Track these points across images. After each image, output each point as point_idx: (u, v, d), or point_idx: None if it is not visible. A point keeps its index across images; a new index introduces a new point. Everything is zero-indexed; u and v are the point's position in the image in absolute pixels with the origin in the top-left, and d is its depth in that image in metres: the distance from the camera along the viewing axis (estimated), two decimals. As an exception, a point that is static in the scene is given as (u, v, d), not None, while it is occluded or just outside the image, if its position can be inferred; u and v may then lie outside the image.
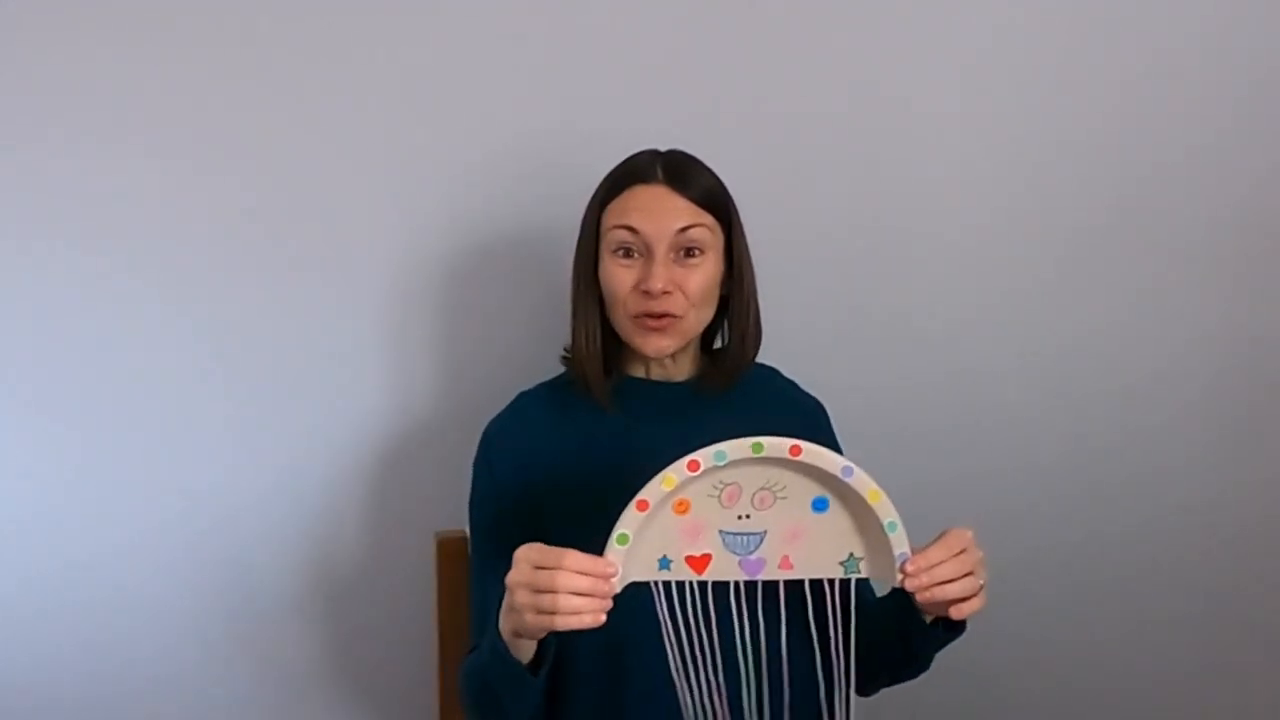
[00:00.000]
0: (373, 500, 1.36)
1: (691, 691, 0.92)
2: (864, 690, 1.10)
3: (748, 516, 0.90)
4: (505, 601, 0.89)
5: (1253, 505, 1.53)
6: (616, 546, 0.87)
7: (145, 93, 1.23)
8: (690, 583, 0.91)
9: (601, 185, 1.07)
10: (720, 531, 0.90)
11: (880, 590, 1.02)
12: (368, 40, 1.27)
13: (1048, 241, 1.45)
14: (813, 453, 0.87)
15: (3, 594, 1.27)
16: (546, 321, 1.31)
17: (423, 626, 1.34)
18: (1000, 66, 1.40)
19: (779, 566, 0.91)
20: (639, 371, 1.11)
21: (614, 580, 0.86)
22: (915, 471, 1.47)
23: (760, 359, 1.13)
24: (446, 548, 1.28)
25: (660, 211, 1.02)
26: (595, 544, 0.87)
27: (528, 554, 0.87)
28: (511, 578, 0.87)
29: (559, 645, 0.96)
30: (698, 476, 0.87)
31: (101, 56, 1.21)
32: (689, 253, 1.03)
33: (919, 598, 0.89)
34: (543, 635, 0.90)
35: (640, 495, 0.87)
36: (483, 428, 1.12)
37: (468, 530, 1.14)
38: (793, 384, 1.18)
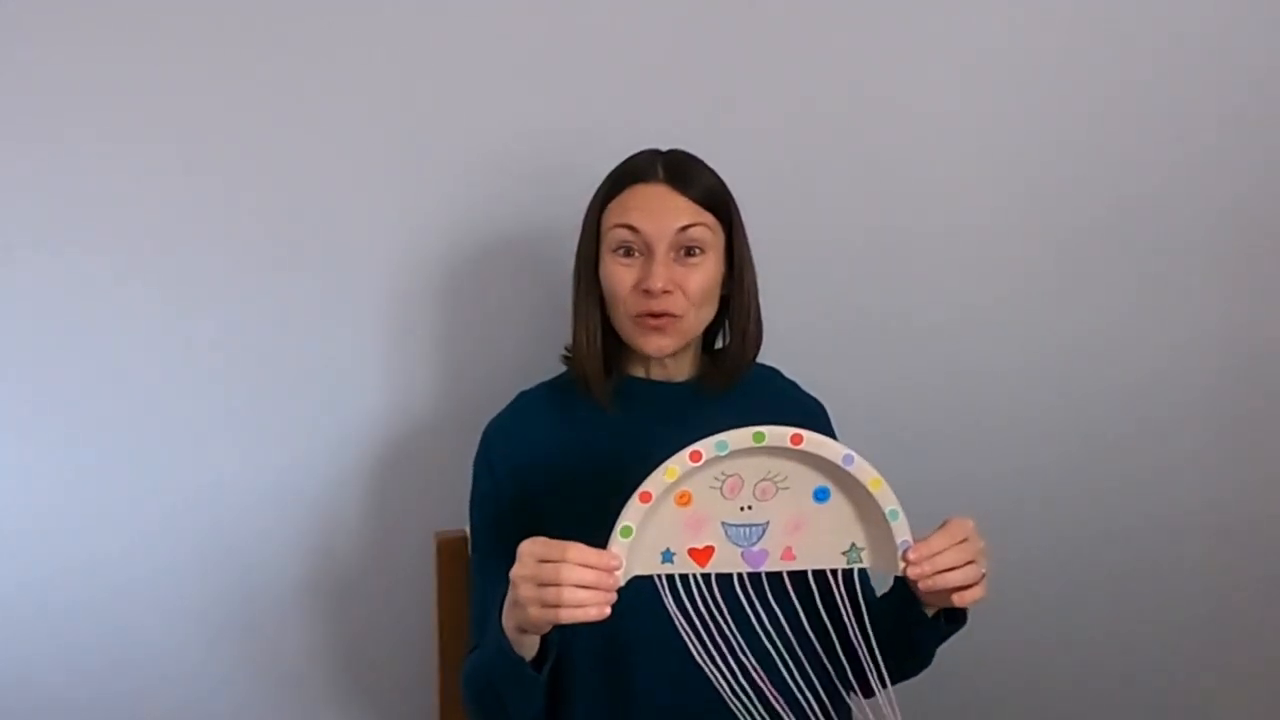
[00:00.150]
0: (373, 500, 1.36)
1: (724, 678, 0.91)
2: (867, 689, 1.10)
3: (750, 508, 0.90)
4: (509, 596, 0.89)
5: (1253, 505, 1.53)
6: (620, 539, 0.87)
7: (145, 92, 1.23)
8: (695, 575, 0.91)
9: (602, 185, 1.07)
10: (723, 523, 0.90)
11: (882, 583, 1.02)
12: (368, 40, 1.27)
13: (1048, 241, 1.45)
14: (814, 441, 0.87)
15: (2, 594, 1.27)
16: (546, 321, 1.31)
17: (423, 626, 1.34)
18: (1000, 67, 1.40)
19: (782, 558, 0.91)
20: (639, 371, 1.11)
21: (618, 573, 0.86)
22: (915, 471, 1.46)
23: (760, 359, 1.13)
24: (446, 548, 1.28)
25: (661, 211, 1.02)
26: (596, 542, 0.86)
27: (532, 548, 0.87)
28: (516, 571, 0.87)
29: (560, 644, 0.96)
30: (700, 467, 0.86)
31: (101, 57, 1.21)
32: (689, 252, 1.03)
33: (921, 586, 0.89)
34: (547, 629, 0.90)
35: (643, 487, 0.86)
36: (483, 428, 1.12)
37: (468, 530, 1.14)
38: (794, 384, 1.18)
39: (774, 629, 0.92)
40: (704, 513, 0.90)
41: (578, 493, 1.04)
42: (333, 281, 1.31)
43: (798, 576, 0.92)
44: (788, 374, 1.19)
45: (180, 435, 1.29)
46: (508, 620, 0.91)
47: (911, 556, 0.89)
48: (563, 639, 1.02)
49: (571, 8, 1.30)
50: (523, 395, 1.14)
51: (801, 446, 0.87)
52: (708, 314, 1.07)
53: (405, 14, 1.27)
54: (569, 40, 1.31)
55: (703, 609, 0.90)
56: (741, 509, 0.90)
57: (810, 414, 1.15)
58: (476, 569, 1.10)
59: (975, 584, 0.91)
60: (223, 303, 1.28)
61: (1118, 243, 1.46)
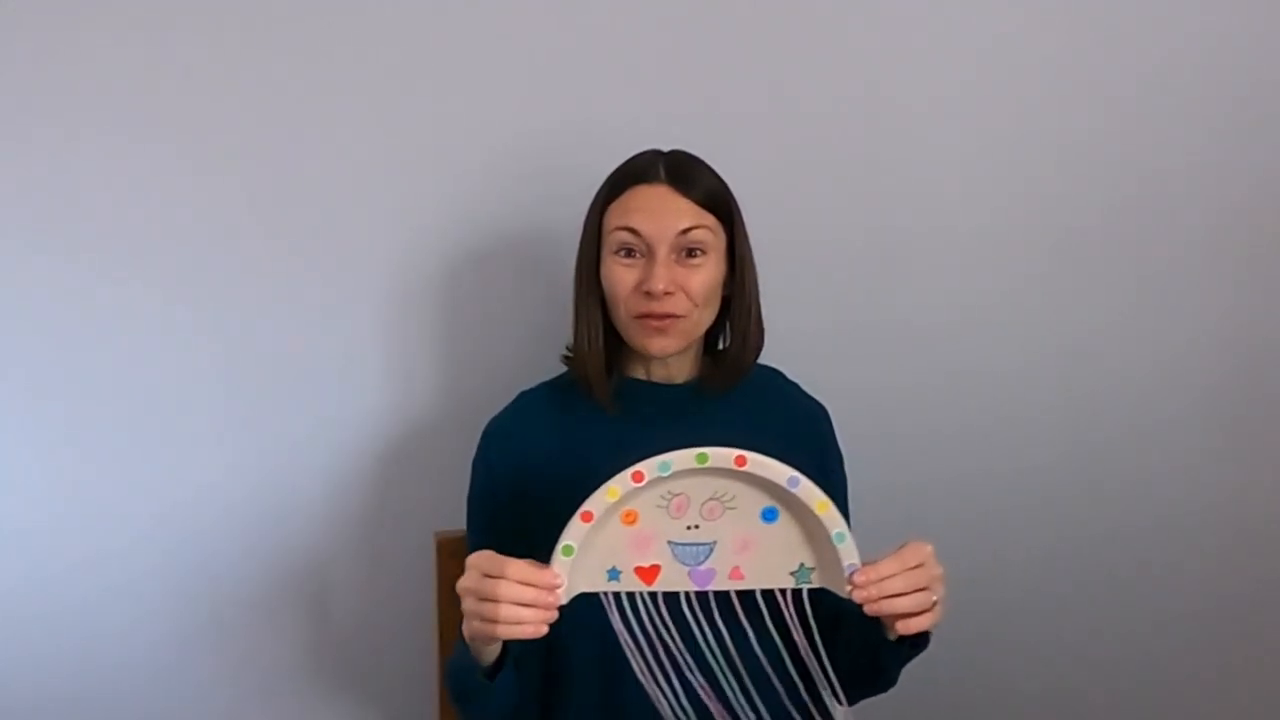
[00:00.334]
0: (373, 500, 1.36)
1: (666, 697, 0.91)
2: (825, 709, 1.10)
3: (697, 527, 0.90)
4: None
5: (1254, 505, 1.53)
6: (562, 558, 0.87)
7: (144, 92, 1.23)
8: (643, 593, 0.91)
9: (604, 185, 1.07)
10: (669, 542, 0.90)
11: None
12: (368, 40, 1.27)
13: (1048, 241, 1.45)
14: (758, 463, 0.87)
15: (5, 591, 1.28)
16: (546, 321, 1.31)
17: (423, 626, 1.34)
18: (1001, 67, 1.40)
19: (730, 577, 0.91)
20: (639, 372, 1.11)
21: (559, 591, 0.87)
22: (915, 472, 1.47)
23: (760, 360, 1.13)
24: (446, 548, 1.28)
25: (662, 212, 1.02)
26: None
27: (477, 560, 0.87)
28: (461, 583, 0.88)
29: (558, 649, 0.96)
30: (643, 487, 0.86)
31: (100, 56, 1.21)
32: (690, 253, 1.03)
33: (867, 610, 0.88)
34: (490, 643, 0.91)
35: (585, 506, 0.87)
36: (483, 427, 1.12)
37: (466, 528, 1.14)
38: (796, 387, 1.17)
39: (736, 649, 0.92)
40: (650, 531, 0.90)
41: (575, 493, 1.03)
42: (333, 281, 1.30)
43: (755, 597, 0.91)
44: (789, 375, 1.18)
45: (180, 435, 1.29)
46: (464, 628, 0.91)
47: (858, 580, 0.87)
48: (560, 648, 1.02)
49: (571, 8, 1.30)
50: (523, 395, 1.14)
51: (746, 468, 0.86)
52: (710, 315, 1.07)
53: (405, 14, 1.27)
54: (569, 40, 1.31)
55: (648, 626, 0.90)
56: (688, 528, 0.90)
57: (810, 417, 1.15)
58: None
59: (924, 612, 0.88)
60: (222, 303, 1.28)
61: (1118, 243, 1.46)
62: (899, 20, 1.37)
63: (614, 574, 0.91)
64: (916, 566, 0.88)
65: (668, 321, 1.02)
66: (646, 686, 0.91)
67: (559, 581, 0.87)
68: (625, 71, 1.33)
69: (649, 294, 1.01)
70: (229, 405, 1.30)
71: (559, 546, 0.87)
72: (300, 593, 1.36)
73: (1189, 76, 1.43)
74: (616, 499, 0.86)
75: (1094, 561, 1.53)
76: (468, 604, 0.87)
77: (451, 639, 1.26)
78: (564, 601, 0.88)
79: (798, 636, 0.91)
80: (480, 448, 1.11)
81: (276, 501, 1.33)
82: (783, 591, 0.91)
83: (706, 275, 1.03)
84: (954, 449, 1.48)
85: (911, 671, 1.43)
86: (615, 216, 1.04)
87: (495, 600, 0.85)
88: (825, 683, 0.92)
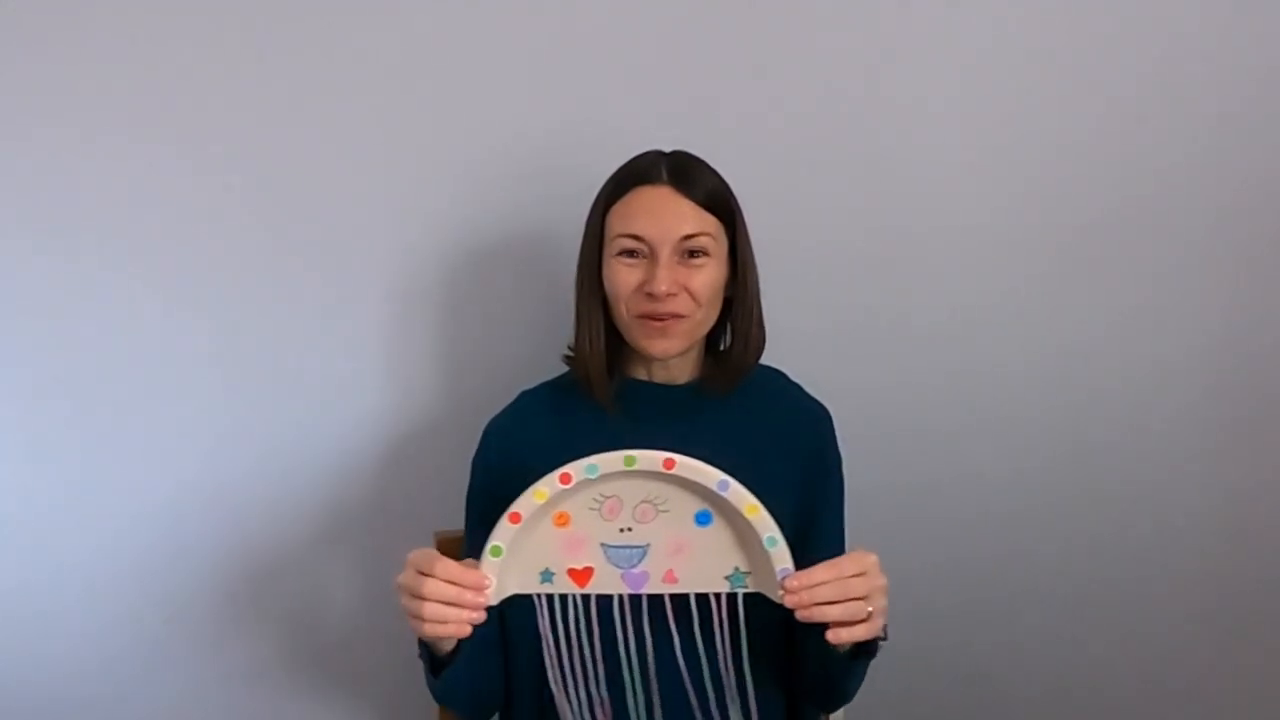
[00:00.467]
0: (373, 500, 1.36)
1: (572, 703, 0.92)
2: (805, 713, 1.10)
3: (629, 530, 0.90)
4: None
5: (1254, 505, 1.53)
6: (490, 559, 0.87)
7: (144, 92, 1.23)
8: (575, 597, 0.91)
9: (605, 186, 1.07)
10: (602, 545, 0.90)
11: None
12: (368, 40, 1.27)
13: (1048, 241, 1.45)
14: (688, 466, 0.86)
15: (7, 589, 1.28)
16: (547, 322, 1.31)
17: (423, 627, 1.34)
18: (1001, 67, 1.40)
19: (663, 580, 0.91)
20: (641, 373, 1.11)
21: (487, 592, 0.87)
22: (915, 472, 1.47)
23: (761, 360, 1.13)
24: (446, 548, 1.27)
25: (665, 214, 1.02)
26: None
27: (414, 557, 0.88)
28: (397, 579, 0.88)
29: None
30: (573, 490, 0.87)
31: (102, 56, 1.21)
32: (693, 254, 1.03)
33: (798, 616, 0.87)
34: (427, 640, 0.91)
35: (513, 507, 0.87)
36: (483, 427, 1.12)
37: (466, 529, 1.14)
38: (798, 388, 1.17)
39: (678, 656, 0.92)
40: (583, 534, 0.90)
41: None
42: (333, 281, 1.30)
43: (707, 601, 0.91)
44: (790, 375, 1.18)
45: (180, 435, 1.29)
46: None
47: (789, 585, 0.86)
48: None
49: (572, 8, 1.30)
50: (524, 395, 1.14)
51: (674, 471, 0.86)
52: (712, 315, 1.07)
53: (405, 14, 1.27)
54: (569, 40, 1.31)
55: (573, 631, 0.90)
56: (621, 530, 0.90)
57: (810, 419, 1.14)
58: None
59: (858, 622, 0.87)
60: (223, 303, 1.28)
61: (1118, 243, 1.46)
62: (899, 20, 1.37)
63: (547, 576, 0.91)
64: (856, 575, 0.87)
65: (671, 322, 1.02)
66: (555, 692, 0.91)
67: (486, 582, 0.87)
68: (625, 72, 1.33)
69: (651, 295, 1.01)
70: (229, 405, 1.30)
71: (487, 547, 0.87)
72: (299, 592, 1.36)
73: (1189, 76, 1.43)
74: (544, 500, 0.86)
75: (1094, 561, 1.53)
76: (401, 600, 0.88)
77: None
78: (494, 602, 0.88)
79: (719, 643, 0.91)
80: (480, 446, 1.12)
81: (276, 501, 1.33)
82: (718, 596, 0.91)
83: (709, 275, 1.03)
84: (954, 449, 1.48)
85: (912, 671, 1.43)
86: (617, 219, 1.04)
87: (421, 598, 0.85)
88: (736, 695, 0.92)
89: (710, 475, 0.86)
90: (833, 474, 1.13)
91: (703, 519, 0.89)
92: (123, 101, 1.22)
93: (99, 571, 1.30)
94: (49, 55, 1.20)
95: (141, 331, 1.27)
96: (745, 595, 0.91)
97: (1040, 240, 1.45)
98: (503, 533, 0.87)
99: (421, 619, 0.85)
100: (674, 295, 1.01)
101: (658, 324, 1.02)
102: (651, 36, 1.33)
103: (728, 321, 1.10)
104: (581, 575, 0.91)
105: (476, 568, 0.88)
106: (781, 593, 0.87)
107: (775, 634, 1.02)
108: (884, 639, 0.94)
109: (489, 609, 0.88)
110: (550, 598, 0.91)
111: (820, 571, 0.86)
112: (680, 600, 0.92)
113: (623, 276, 1.03)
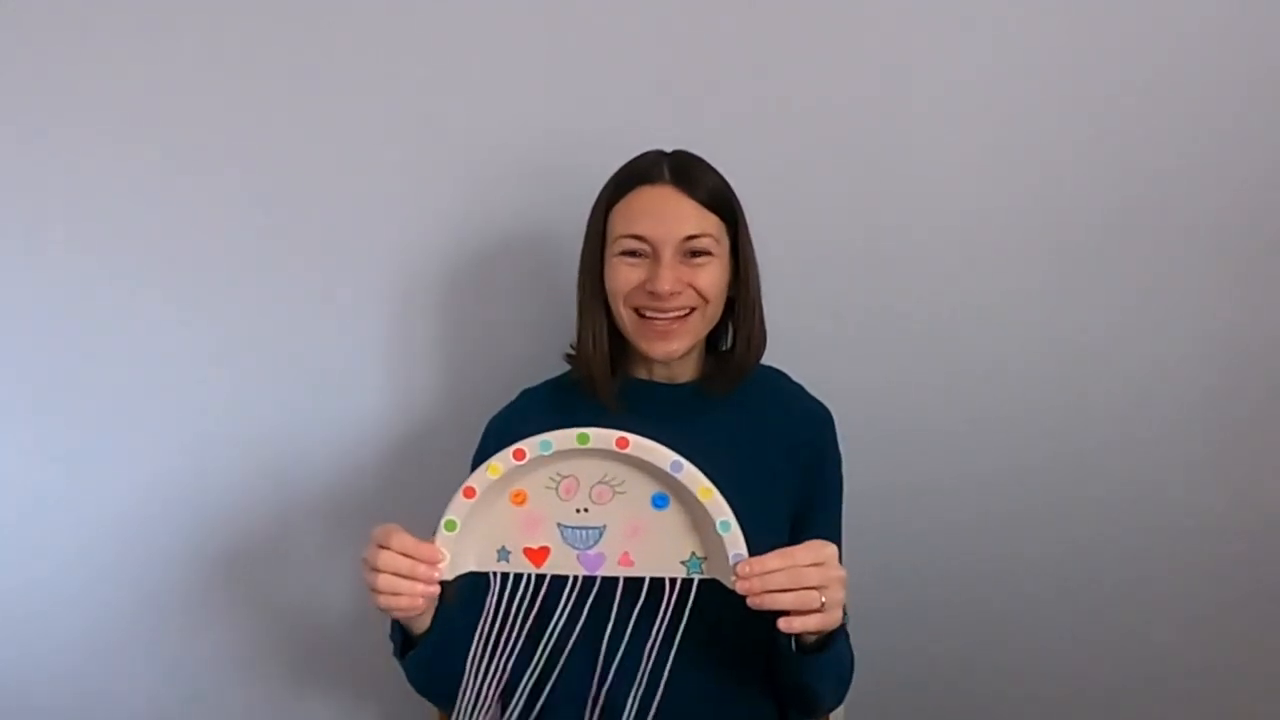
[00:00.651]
0: (373, 500, 1.36)
1: (472, 684, 0.90)
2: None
3: (586, 510, 0.89)
4: None
5: (1255, 505, 1.53)
6: (444, 533, 0.87)
7: (145, 92, 1.23)
8: (528, 575, 0.90)
9: (607, 186, 1.07)
10: (558, 524, 0.90)
11: None
12: (369, 41, 1.27)
13: (1049, 242, 1.45)
14: (641, 446, 0.86)
15: (4, 589, 1.28)
16: (547, 322, 1.31)
17: (423, 626, 1.34)
18: (1002, 67, 1.40)
19: (619, 563, 0.90)
20: (642, 373, 1.11)
21: (441, 566, 0.87)
22: (915, 472, 1.47)
23: (763, 359, 1.13)
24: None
25: (667, 214, 1.02)
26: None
27: (375, 532, 0.88)
28: (364, 555, 0.88)
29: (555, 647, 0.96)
30: (525, 466, 0.86)
31: (104, 56, 1.21)
32: (695, 254, 1.03)
33: (750, 602, 0.86)
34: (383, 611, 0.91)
35: (467, 482, 0.87)
36: (483, 428, 1.12)
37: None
38: (799, 388, 1.17)
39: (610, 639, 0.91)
40: (539, 513, 0.90)
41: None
42: (334, 282, 1.30)
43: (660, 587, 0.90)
44: (792, 376, 1.18)
45: (180, 435, 1.29)
46: None
47: (741, 570, 0.85)
48: (558, 646, 1.02)
49: (572, 8, 1.30)
50: (526, 393, 1.15)
51: (628, 450, 0.86)
52: (715, 313, 1.07)
53: (406, 15, 1.27)
54: (570, 41, 1.31)
55: (514, 610, 0.89)
56: (578, 511, 0.90)
57: (813, 418, 1.14)
58: None
59: (810, 612, 0.86)
60: (223, 302, 1.28)
61: (1118, 242, 1.46)
62: (899, 20, 1.37)
63: (504, 554, 0.90)
64: (812, 565, 0.86)
65: (674, 323, 1.02)
66: (467, 669, 0.90)
67: (439, 555, 0.87)
68: (626, 72, 1.32)
69: (654, 294, 1.01)
70: (229, 405, 1.30)
71: (441, 521, 0.87)
72: (300, 592, 1.36)
73: (1189, 76, 1.43)
74: (499, 475, 0.86)
75: (1093, 561, 1.53)
76: (363, 573, 0.88)
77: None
78: (448, 578, 0.88)
79: (656, 627, 0.89)
80: (481, 443, 1.11)
81: (276, 500, 1.33)
82: (672, 582, 0.90)
83: (712, 273, 1.03)
84: (954, 449, 1.48)
85: (912, 670, 1.43)
86: (620, 220, 1.04)
87: (376, 570, 0.85)
88: (658, 684, 0.90)
89: (663, 456, 0.86)
90: (832, 474, 1.12)
91: (659, 502, 0.89)
92: (123, 101, 1.22)
93: (99, 571, 1.30)
94: (50, 56, 1.20)
95: (141, 331, 1.27)
96: (731, 593, 0.89)
97: (1040, 240, 1.45)
98: (457, 507, 0.87)
99: (376, 591, 0.86)
100: (677, 294, 1.01)
101: (660, 327, 1.02)
102: (652, 36, 1.33)
103: (729, 321, 1.10)
104: (538, 554, 0.90)
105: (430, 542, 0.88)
106: (734, 578, 0.86)
107: (757, 635, 1.00)
108: (845, 635, 0.93)
109: (459, 592, 0.88)
110: (505, 576, 0.90)
111: (773, 559, 0.86)
112: (632, 586, 0.90)
113: (625, 275, 1.03)
